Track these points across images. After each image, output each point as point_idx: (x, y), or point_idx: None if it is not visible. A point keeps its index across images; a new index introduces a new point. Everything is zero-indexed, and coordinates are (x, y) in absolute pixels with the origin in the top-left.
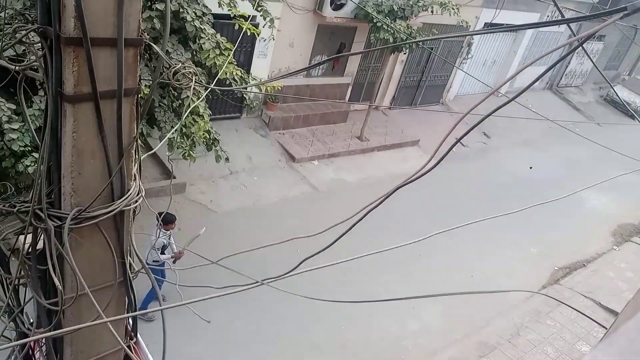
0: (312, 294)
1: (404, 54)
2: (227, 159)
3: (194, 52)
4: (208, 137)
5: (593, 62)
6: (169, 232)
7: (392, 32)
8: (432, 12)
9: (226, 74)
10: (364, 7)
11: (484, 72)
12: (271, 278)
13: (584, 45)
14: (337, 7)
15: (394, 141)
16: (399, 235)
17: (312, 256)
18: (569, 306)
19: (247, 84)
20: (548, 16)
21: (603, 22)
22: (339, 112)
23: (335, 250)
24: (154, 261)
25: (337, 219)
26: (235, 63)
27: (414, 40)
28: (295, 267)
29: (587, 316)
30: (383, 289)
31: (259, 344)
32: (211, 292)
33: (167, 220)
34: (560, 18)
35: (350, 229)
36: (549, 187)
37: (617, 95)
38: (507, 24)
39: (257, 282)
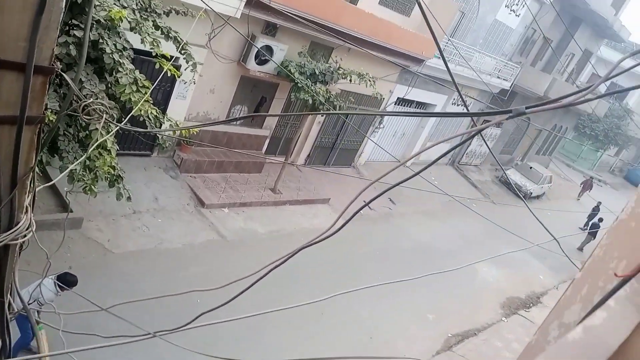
0: (209, 349)
1: (322, 116)
2: (128, 198)
3: (109, 85)
4: (112, 172)
5: (489, 148)
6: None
7: (312, 94)
8: (350, 81)
9: (140, 111)
10: (287, 67)
11: (393, 143)
12: (165, 331)
13: (484, 131)
14: (262, 62)
15: (306, 197)
16: (304, 292)
17: (211, 310)
18: None
19: (161, 123)
20: (454, 99)
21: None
22: (255, 163)
23: (237, 304)
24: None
25: (243, 270)
26: (151, 102)
27: (339, 112)
28: (192, 320)
29: None
30: (281, 349)
31: None
32: (98, 341)
33: (67, 282)
34: (463, 110)
35: (252, 285)
36: (446, 257)
37: (509, 178)
38: (417, 101)
39: (150, 333)
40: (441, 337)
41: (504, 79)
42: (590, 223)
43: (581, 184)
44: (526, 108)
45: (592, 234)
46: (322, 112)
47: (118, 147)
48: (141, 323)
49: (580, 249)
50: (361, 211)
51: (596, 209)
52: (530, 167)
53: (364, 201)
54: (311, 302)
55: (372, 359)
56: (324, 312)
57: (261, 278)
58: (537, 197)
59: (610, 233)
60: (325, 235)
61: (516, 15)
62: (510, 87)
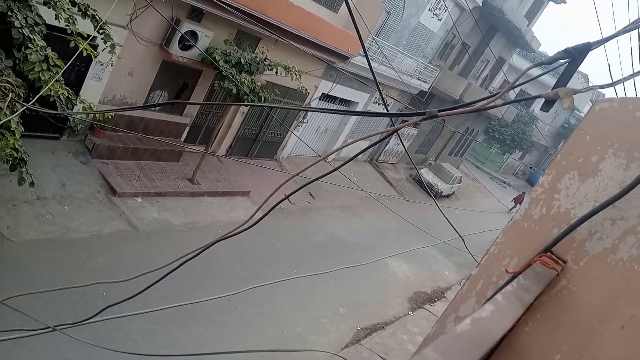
0: (114, 344)
1: (246, 107)
2: (32, 184)
3: (17, 61)
4: (15, 155)
5: (404, 148)
6: None
7: (237, 84)
8: (276, 73)
9: (51, 91)
10: (211, 54)
11: (316, 138)
12: (66, 324)
13: (401, 130)
14: (185, 47)
15: (225, 189)
16: (216, 286)
17: (117, 303)
18: None
19: (73, 105)
20: (376, 97)
21: (415, 117)
22: (173, 151)
23: (145, 297)
24: None
25: (154, 263)
26: (63, 82)
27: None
28: (97, 314)
29: None
30: (191, 341)
31: None
32: None
33: None
34: (383, 110)
35: (162, 278)
36: (360, 251)
37: (422, 177)
38: (340, 98)
39: (49, 327)
40: (351, 330)
41: (423, 81)
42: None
43: (513, 199)
44: (439, 111)
45: None
46: (245, 103)
47: (23, 129)
48: (42, 317)
49: None
50: (281, 204)
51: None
52: (443, 167)
53: (284, 194)
54: (223, 295)
55: (284, 351)
56: (237, 306)
57: (172, 271)
58: (447, 196)
59: (505, 232)
60: (242, 228)
61: (438, 19)
62: (429, 89)
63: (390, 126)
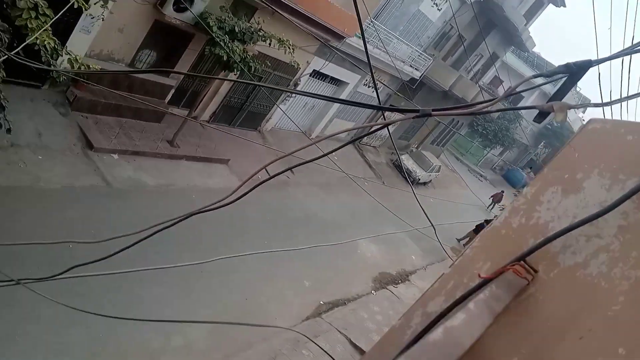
0: (77, 301)
1: (235, 74)
2: (8, 130)
3: (5, 5)
4: None
5: (389, 133)
6: None
7: (227, 51)
8: (269, 44)
9: (37, 40)
10: (206, 19)
11: (303, 113)
12: (30, 279)
13: (387, 115)
14: (180, 9)
15: (204, 154)
16: (186, 251)
17: (85, 264)
18: (317, 345)
19: (58, 56)
20: (366, 80)
21: (408, 104)
22: (155, 112)
23: (114, 257)
24: None
25: (125, 221)
26: (50, 31)
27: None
28: (64, 272)
29: (330, 356)
30: (155, 302)
31: None
32: None
33: None
34: (373, 94)
35: (134, 244)
36: (333, 229)
37: (402, 163)
38: (331, 76)
39: (13, 280)
40: (314, 304)
41: (415, 69)
42: (476, 224)
43: (491, 196)
44: (433, 110)
45: (475, 231)
46: (233, 79)
47: (4, 74)
48: (4, 267)
49: (461, 240)
50: (259, 175)
51: (487, 221)
52: (423, 155)
53: (267, 171)
54: (190, 264)
55: (234, 324)
56: (203, 270)
57: (144, 239)
58: (424, 183)
59: (483, 236)
60: (222, 203)
61: (438, 9)
62: (420, 77)
63: (379, 113)
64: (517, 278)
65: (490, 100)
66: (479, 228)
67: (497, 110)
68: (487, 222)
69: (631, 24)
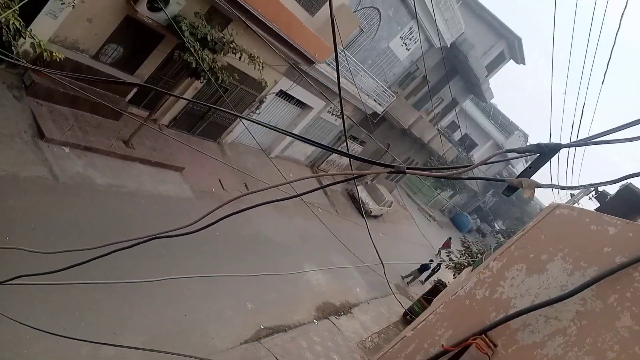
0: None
1: (201, 82)
2: None
3: None
4: None
5: (351, 165)
6: None
7: (197, 58)
8: (240, 58)
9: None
10: (179, 22)
11: (265, 131)
12: None
13: (351, 147)
14: (153, 8)
15: (159, 159)
16: (130, 259)
17: (33, 275)
18: None
19: (21, 37)
20: (331, 107)
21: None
22: (113, 109)
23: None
24: None
25: (68, 217)
26: (18, 12)
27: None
28: (9, 280)
29: None
30: (88, 307)
31: None
32: None
33: None
34: (337, 120)
35: (89, 261)
36: (282, 251)
37: (358, 195)
38: (297, 99)
39: None
40: (254, 327)
41: (379, 103)
42: (421, 264)
43: (442, 246)
44: (407, 169)
45: (420, 271)
46: (204, 103)
47: None
48: None
49: (405, 278)
50: (213, 188)
51: (432, 261)
52: (377, 189)
53: (221, 184)
54: (132, 281)
55: (177, 355)
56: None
57: (102, 256)
58: (376, 217)
59: (447, 304)
60: (185, 231)
61: (407, 48)
62: (382, 112)
63: (341, 137)
64: (480, 353)
65: (463, 167)
66: (423, 268)
67: (470, 178)
68: (434, 269)
69: (584, 91)
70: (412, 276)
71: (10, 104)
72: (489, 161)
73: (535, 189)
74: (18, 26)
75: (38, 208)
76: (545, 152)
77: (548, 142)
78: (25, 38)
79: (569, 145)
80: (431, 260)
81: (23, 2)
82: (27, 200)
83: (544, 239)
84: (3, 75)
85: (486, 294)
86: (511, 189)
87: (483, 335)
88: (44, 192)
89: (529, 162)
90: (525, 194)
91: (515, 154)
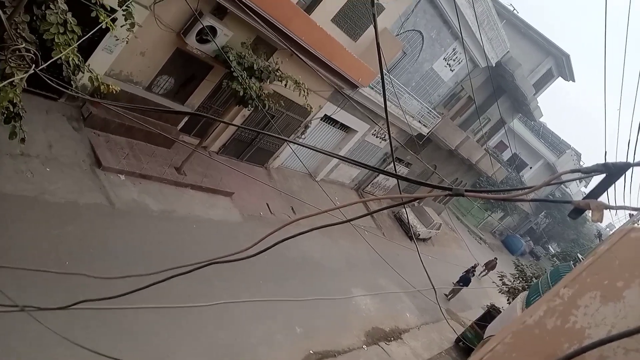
0: (77, 325)
1: (248, 110)
2: (22, 140)
3: (35, 18)
4: (11, 109)
5: (399, 187)
6: None
7: (244, 87)
8: (285, 85)
9: (61, 54)
10: (227, 52)
11: (310, 155)
12: (34, 307)
13: (392, 166)
14: (202, 40)
15: (209, 185)
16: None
17: (97, 300)
18: None
19: (80, 72)
20: (375, 130)
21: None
22: (166, 137)
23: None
24: None
25: (124, 242)
26: (76, 48)
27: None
28: (73, 305)
29: None
30: (145, 330)
31: None
32: None
33: None
34: (382, 143)
35: (148, 286)
36: (329, 275)
37: (407, 217)
38: (341, 123)
39: (17, 306)
40: (303, 352)
41: (424, 125)
42: (460, 276)
43: (484, 264)
44: (466, 191)
45: (460, 284)
46: (252, 129)
47: (25, 84)
48: (3, 284)
49: (447, 295)
50: (261, 212)
51: (470, 270)
52: (425, 211)
53: (269, 208)
54: (187, 305)
55: None
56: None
57: (160, 282)
58: (424, 240)
59: (515, 334)
60: (241, 256)
61: (451, 69)
62: (428, 133)
63: (387, 159)
64: None
65: (524, 188)
66: (462, 280)
67: (533, 200)
68: (471, 275)
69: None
70: (454, 293)
71: (69, 134)
72: (552, 182)
73: (604, 210)
74: (77, 62)
75: (95, 232)
76: (612, 172)
77: (615, 161)
78: (83, 72)
79: (638, 164)
80: (470, 276)
81: (81, 40)
82: (85, 226)
83: (619, 265)
84: (63, 108)
85: (558, 323)
86: (577, 211)
87: None
88: (101, 218)
89: (583, 182)
90: (594, 217)
91: (580, 174)
